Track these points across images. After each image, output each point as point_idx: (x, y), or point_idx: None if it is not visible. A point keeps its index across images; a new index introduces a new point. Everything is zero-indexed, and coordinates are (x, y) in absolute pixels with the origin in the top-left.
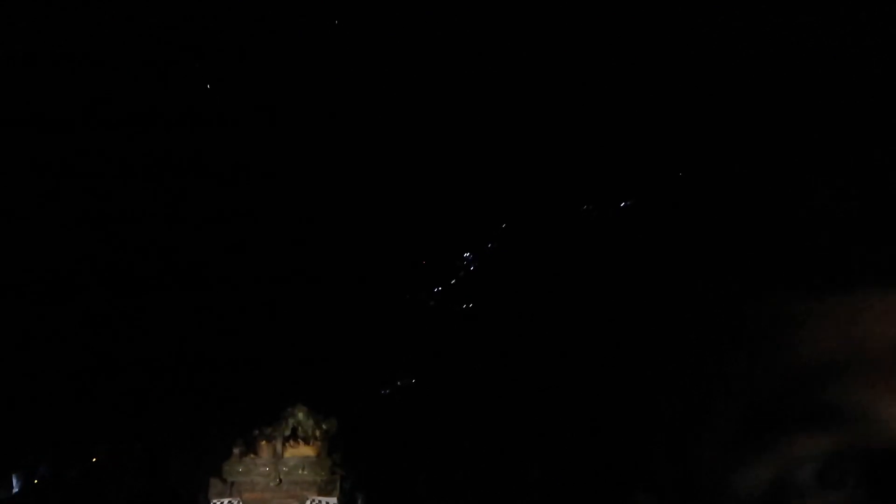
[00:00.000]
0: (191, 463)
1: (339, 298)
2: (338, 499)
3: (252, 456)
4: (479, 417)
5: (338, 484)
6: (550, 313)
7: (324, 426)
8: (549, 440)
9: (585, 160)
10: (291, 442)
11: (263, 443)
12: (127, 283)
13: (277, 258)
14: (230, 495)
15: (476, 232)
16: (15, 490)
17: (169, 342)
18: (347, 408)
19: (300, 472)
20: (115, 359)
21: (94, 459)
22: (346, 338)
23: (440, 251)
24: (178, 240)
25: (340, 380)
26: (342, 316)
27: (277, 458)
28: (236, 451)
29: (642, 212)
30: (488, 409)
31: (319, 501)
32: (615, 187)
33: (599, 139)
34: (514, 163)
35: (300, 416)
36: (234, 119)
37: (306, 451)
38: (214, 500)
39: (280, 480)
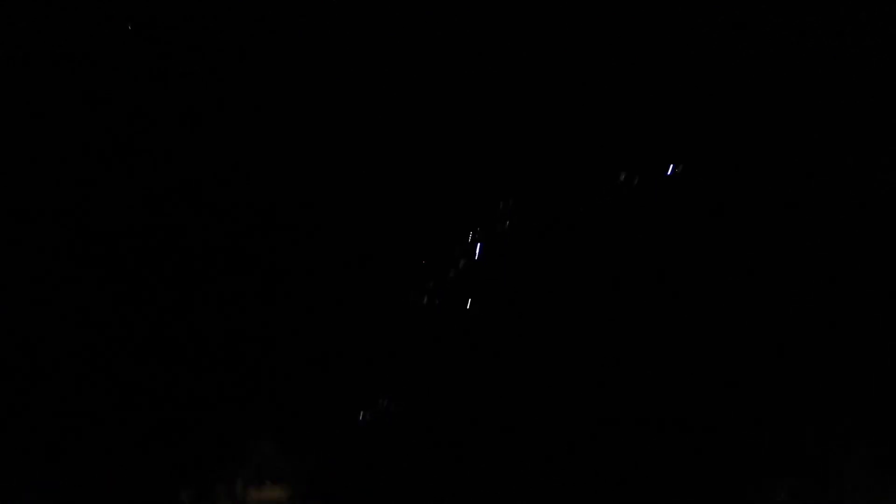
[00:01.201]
0: None
1: (312, 305)
2: None
3: (206, 500)
4: (485, 447)
5: None
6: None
7: (297, 463)
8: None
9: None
10: (256, 485)
11: (219, 486)
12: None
13: (237, 254)
14: None
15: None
16: None
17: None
18: (327, 439)
19: None
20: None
21: None
22: (322, 351)
23: (430, 248)
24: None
25: (316, 404)
26: (316, 326)
27: (237, 502)
28: (184, 496)
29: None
30: (497, 437)
31: None
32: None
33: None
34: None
35: (267, 450)
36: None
37: (275, 493)
38: None
39: None
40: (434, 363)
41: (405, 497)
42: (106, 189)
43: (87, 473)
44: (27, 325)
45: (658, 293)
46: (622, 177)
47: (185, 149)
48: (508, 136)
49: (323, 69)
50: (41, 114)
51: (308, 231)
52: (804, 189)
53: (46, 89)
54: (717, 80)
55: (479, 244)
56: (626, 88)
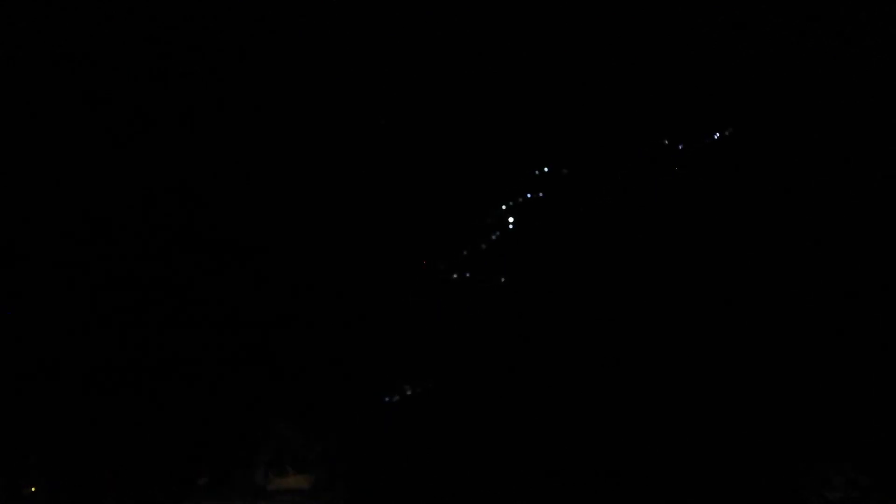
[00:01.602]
0: (139, 499)
1: (331, 286)
2: None
3: (223, 489)
4: (514, 430)
5: None
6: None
7: (318, 448)
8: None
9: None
10: (276, 470)
11: (238, 472)
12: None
13: (256, 238)
14: None
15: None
16: None
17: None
18: (348, 426)
19: None
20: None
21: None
22: (343, 332)
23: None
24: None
25: (337, 391)
26: (336, 307)
27: (257, 491)
28: (201, 483)
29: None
30: (527, 419)
31: None
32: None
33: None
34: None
35: (287, 434)
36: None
37: (296, 481)
38: None
39: None
40: (454, 349)
41: (426, 484)
42: (111, 186)
43: (107, 460)
44: (44, 319)
45: (665, 292)
46: (624, 175)
47: (189, 148)
48: (513, 134)
49: (325, 65)
50: (42, 114)
51: (326, 222)
52: (804, 189)
53: (46, 89)
54: (715, 80)
55: (487, 237)
56: (627, 89)
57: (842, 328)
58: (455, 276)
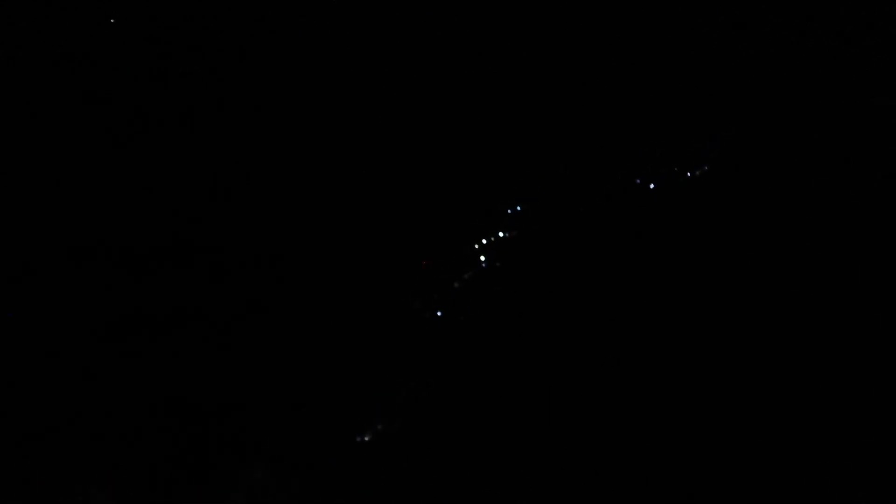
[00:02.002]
0: None
1: (303, 313)
2: None
3: None
4: (495, 466)
5: None
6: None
7: (293, 488)
8: None
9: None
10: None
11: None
12: None
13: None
14: None
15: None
16: None
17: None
18: (322, 464)
19: None
20: None
21: None
22: (318, 365)
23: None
24: None
25: (310, 428)
26: (309, 337)
27: None
28: None
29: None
30: (507, 457)
31: None
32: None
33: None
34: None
35: (258, 475)
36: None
37: None
38: None
39: None
40: (435, 379)
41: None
42: (108, 189)
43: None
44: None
45: (664, 295)
46: (623, 180)
47: (185, 149)
48: (511, 139)
49: (322, 69)
50: (42, 114)
51: (309, 235)
52: (804, 189)
53: (46, 89)
54: (715, 81)
55: (484, 249)
56: (626, 89)
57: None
58: (453, 279)
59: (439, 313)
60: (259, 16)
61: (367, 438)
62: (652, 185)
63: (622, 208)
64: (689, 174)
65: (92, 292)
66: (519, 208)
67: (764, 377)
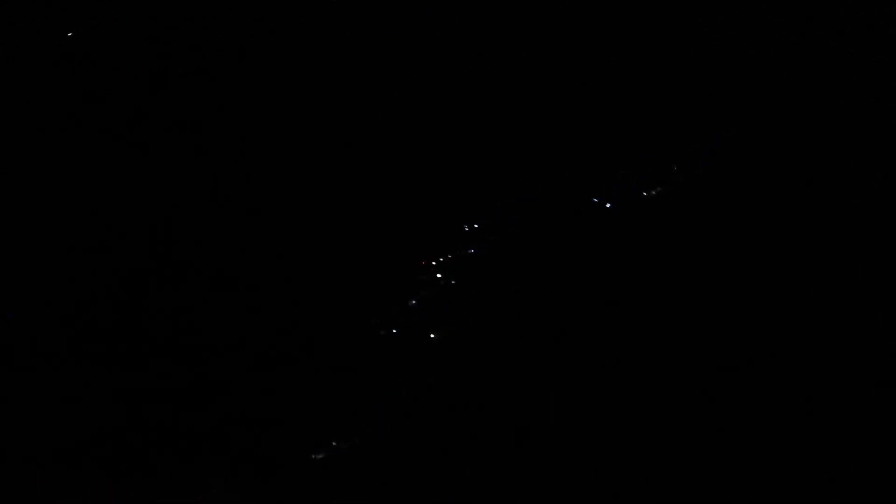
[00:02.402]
0: None
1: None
2: None
3: None
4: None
5: None
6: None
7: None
8: None
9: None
10: None
11: None
12: None
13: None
14: None
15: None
16: None
17: None
18: (282, 481)
19: None
20: None
21: None
22: (280, 374)
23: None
24: None
25: (276, 435)
26: (273, 340)
27: None
28: None
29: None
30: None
31: None
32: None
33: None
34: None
35: (214, 491)
36: None
37: None
38: None
39: None
40: (412, 387)
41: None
42: (110, 188)
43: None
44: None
45: (660, 296)
46: (620, 183)
47: (183, 148)
48: (505, 138)
49: (319, 68)
50: (42, 114)
51: (295, 233)
52: (804, 189)
53: (46, 89)
54: (715, 80)
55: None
56: (625, 93)
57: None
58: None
59: (395, 331)
60: (259, 16)
61: (335, 447)
62: (649, 187)
63: (621, 208)
64: (688, 174)
65: (89, 291)
66: (515, 206)
67: (763, 377)
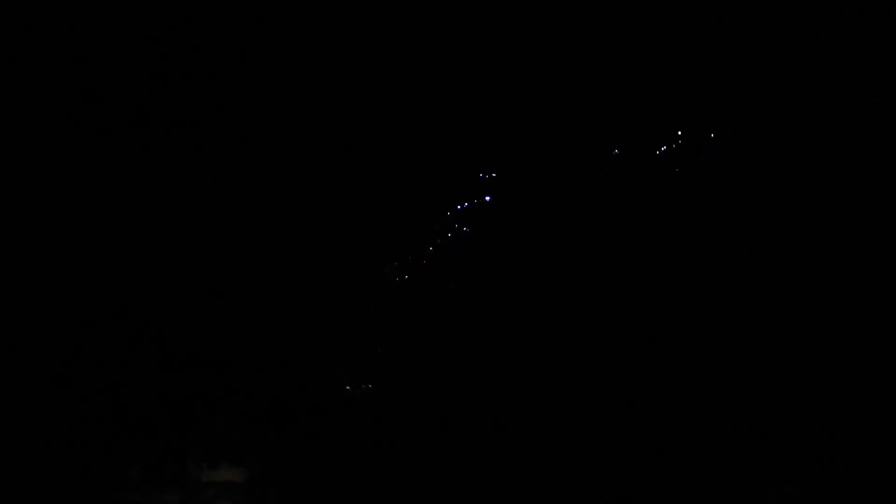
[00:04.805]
0: (72, 487)
1: (277, 264)
2: None
3: (156, 481)
4: (474, 425)
5: None
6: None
7: (254, 441)
8: None
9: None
10: (210, 465)
11: (171, 464)
12: None
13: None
14: None
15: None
16: None
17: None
18: (287, 420)
19: (217, 502)
20: None
21: None
22: (286, 317)
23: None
24: None
25: (279, 375)
26: (281, 287)
27: (190, 483)
28: (133, 474)
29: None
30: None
31: None
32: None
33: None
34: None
35: (222, 426)
36: None
37: (230, 475)
38: None
39: None
40: (408, 347)
41: (370, 484)
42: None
43: (35, 450)
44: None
45: (657, 292)
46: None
47: (182, 148)
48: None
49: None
50: (41, 114)
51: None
52: (803, 189)
53: (46, 89)
54: (713, 80)
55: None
56: (623, 93)
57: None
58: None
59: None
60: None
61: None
62: (648, 185)
63: (620, 207)
64: (687, 174)
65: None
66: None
67: (762, 377)
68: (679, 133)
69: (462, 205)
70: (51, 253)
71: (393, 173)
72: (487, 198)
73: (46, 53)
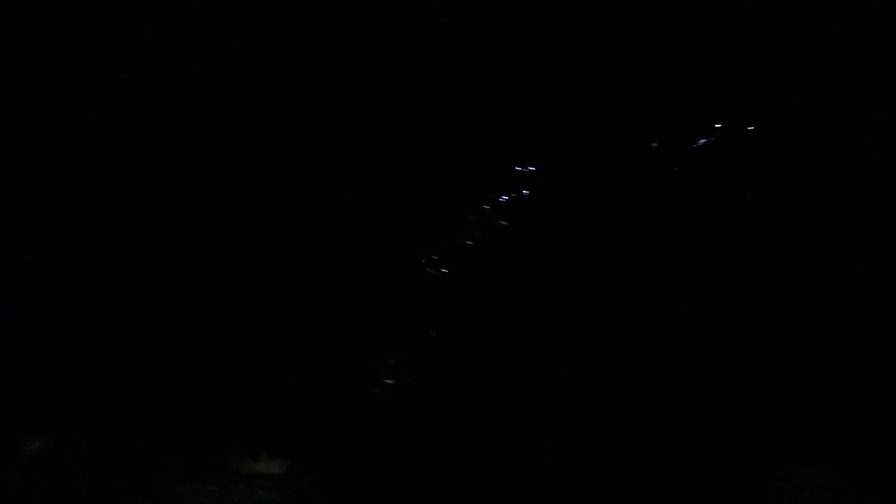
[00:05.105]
0: (112, 476)
1: (310, 263)
2: None
3: (194, 470)
4: (501, 422)
5: None
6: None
7: (293, 432)
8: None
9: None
10: (249, 453)
11: (210, 453)
12: None
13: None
14: None
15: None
16: None
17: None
18: (328, 411)
19: (258, 493)
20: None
21: None
22: (323, 313)
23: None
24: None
25: (319, 373)
26: (318, 286)
27: (229, 473)
28: (172, 462)
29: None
30: (516, 412)
31: None
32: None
33: None
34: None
35: (262, 417)
36: None
37: (269, 465)
38: None
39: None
40: (447, 335)
41: (407, 475)
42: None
43: (74, 438)
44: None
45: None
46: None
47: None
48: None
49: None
50: (41, 114)
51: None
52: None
53: (47, 89)
54: (711, 78)
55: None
56: (623, 92)
57: (818, 329)
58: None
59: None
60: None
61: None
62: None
63: (619, 206)
64: (686, 171)
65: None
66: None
67: (759, 377)
68: (716, 125)
69: (499, 197)
70: (102, 229)
71: (428, 166)
72: (525, 191)
73: (47, 53)
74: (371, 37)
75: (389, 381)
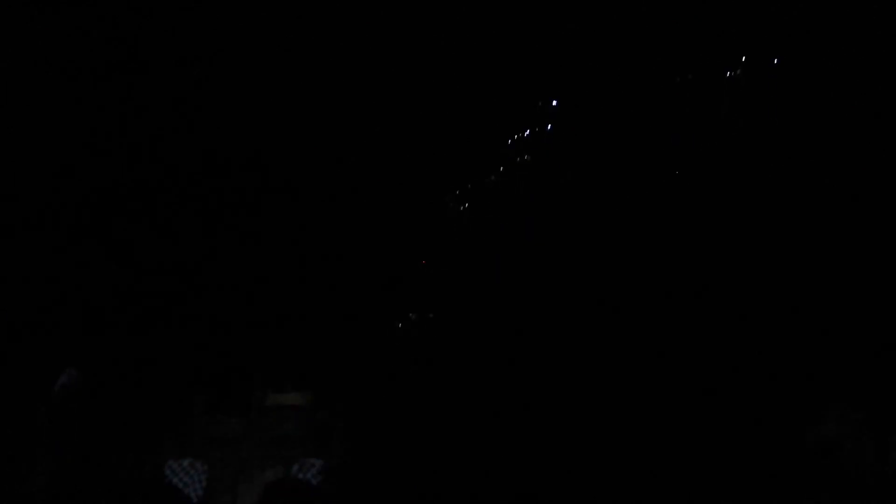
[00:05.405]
0: (140, 412)
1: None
2: (331, 461)
3: (221, 405)
4: (515, 368)
5: (332, 442)
6: None
7: (320, 369)
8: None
9: None
10: (274, 386)
11: (236, 388)
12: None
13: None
14: (191, 454)
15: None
16: None
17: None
18: (351, 346)
19: (283, 426)
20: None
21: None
22: (342, 260)
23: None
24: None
25: (341, 312)
26: (341, 233)
27: (255, 407)
28: (199, 398)
29: None
30: (528, 360)
31: (308, 463)
32: None
33: None
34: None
35: (286, 350)
36: None
37: (294, 398)
38: (171, 461)
39: (257, 437)
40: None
41: (428, 411)
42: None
43: (101, 374)
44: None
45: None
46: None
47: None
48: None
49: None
50: (41, 114)
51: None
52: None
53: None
54: (711, 78)
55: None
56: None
57: (837, 270)
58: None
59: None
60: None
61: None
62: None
63: (618, 205)
64: (679, 171)
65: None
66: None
67: (759, 377)
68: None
69: (522, 133)
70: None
71: (453, 105)
72: (548, 126)
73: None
74: None
75: (412, 315)
